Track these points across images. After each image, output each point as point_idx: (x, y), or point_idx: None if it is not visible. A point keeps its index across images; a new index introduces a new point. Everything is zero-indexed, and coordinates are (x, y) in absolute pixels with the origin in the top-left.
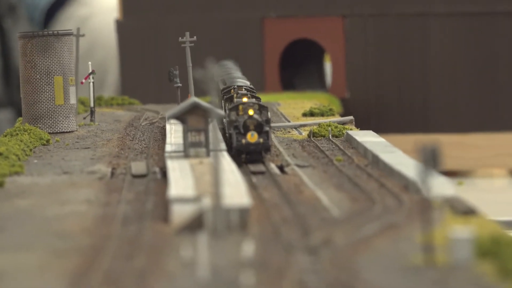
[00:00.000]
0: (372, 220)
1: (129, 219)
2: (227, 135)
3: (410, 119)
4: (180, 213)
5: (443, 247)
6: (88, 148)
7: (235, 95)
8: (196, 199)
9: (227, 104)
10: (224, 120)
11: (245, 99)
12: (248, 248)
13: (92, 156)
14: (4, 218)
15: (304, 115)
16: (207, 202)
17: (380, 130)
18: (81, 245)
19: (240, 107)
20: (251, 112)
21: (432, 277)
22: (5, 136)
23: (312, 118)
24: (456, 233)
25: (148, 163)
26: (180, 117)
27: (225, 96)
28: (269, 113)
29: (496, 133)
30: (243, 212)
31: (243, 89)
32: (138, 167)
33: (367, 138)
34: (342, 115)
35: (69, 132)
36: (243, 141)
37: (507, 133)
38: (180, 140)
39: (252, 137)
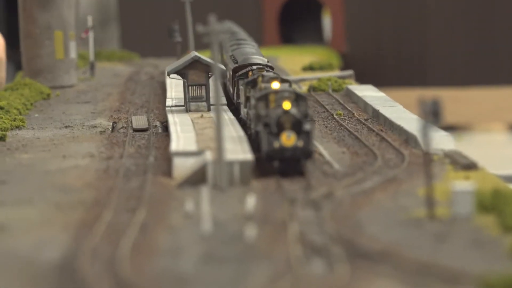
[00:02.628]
0: (373, 174)
1: (131, 172)
2: (233, 100)
3: (409, 73)
4: (182, 167)
5: (444, 201)
6: (89, 102)
7: (260, 79)
8: (198, 153)
9: (247, 90)
10: (235, 99)
11: (275, 84)
12: (251, 202)
13: (93, 110)
14: (6, 172)
15: (304, 69)
16: (209, 156)
17: (379, 84)
18: (84, 198)
19: (272, 97)
20: (287, 105)
21: (433, 230)
22: (6, 90)
23: (312, 72)
24: (457, 187)
25: (149, 117)
26: (181, 72)
27: (239, 78)
28: (307, 105)
29: (495, 87)
30: (245, 166)
31: (264, 70)
32: (139, 121)
33: (367, 92)
34: (341, 69)
35: (70, 86)
36: (276, 144)
37: (506, 87)
38: (180, 94)
39: (288, 139)
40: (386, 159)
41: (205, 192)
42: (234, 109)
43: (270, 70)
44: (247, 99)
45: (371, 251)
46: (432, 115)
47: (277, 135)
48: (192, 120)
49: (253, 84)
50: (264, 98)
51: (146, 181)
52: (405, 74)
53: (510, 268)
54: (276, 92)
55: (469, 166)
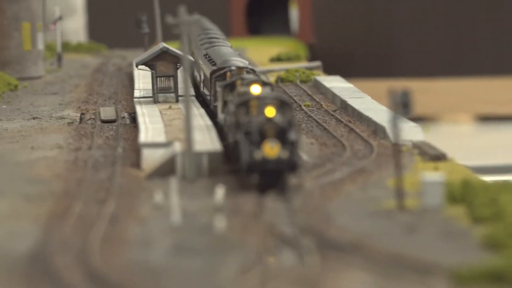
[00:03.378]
0: (342, 166)
1: (100, 164)
2: (210, 104)
3: (377, 64)
4: (151, 158)
5: (413, 192)
6: (56, 93)
7: (239, 82)
8: (167, 144)
9: (225, 93)
10: (211, 102)
11: (255, 88)
12: (220, 193)
13: (60, 102)
14: None
15: (272, 60)
16: (177, 147)
17: (347, 75)
18: (53, 190)
19: (253, 103)
20: (270, 112)
21: (404, 221)
22: None
23: (280, 63)
24: (426, 178)
25: (117, 109)
26: (149, 63)
27: (216, 80)
28: (293, 112)
29: (462, 78)
30: (214, 157)
31: (244, 72)
32: (107, 112)
33: (335, 83)
34: (309, 60)
35: (37, 77)
36: (258, 155)
37: (473, 79)
38: (148, 85)
39: (271, 149)
40: (355, 150)
41: (174, 183)
42: (202, 100)
43: (251, 72)
44: (225, 103)
45: (341, 242)
46: (402, 106)
47: (259, 144)
48: (160, 112)
49: (231, 87)
50: (245, 104)
51: (115, 172)
52: (373, 65)
53: (481, 259)
54: (258, 97)
55: (438, 157)
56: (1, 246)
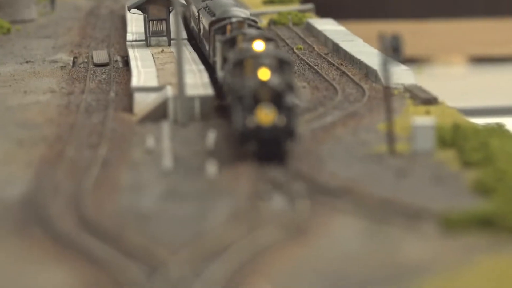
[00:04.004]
0: (334, 109)
1: (93, 108)
2: (209, 59)
3: (370, 5)
4: (143, 102)
5: (404, 136)
6: (49, 37)
7: (240, 37)
8: (159, 88)
9: (225, 49)
10: (211, 56)
11: (258, 44)
12: (211, 137)
13: (53, 45)
14: None
15: (264, 3)
16: (169, 91)
17: (339, 17)
18: (45, 134)
19: (249, 62)
20: (265, 74)
21: (394, 166)
22: None
23: (272, 6)
24: (417, 122)
25: (109, 52)
26: (141, 7)
27: (216, 33)
28: (293, 73)
29: (454, 20)
30: (206, 101)
31: (246, 25)
32: (100, 55)
33: (327, 26)
34: (302, 3)
35: (30, 21)
36: (251, 122)
37: (466, 20)
38: (141, 29)
39: (266, 115)
40: (347, 93)
41: (166, 127)
42: (195, 43)
43: (253, 24)
44: (224, 60)
45: (332, 187)
46: (392, 50)
47: (253, 110)
48: (152, 55)
49: (232, 42)
50: (239, 63)
51: (107, 116)
52: (366, 7)
53: (470, 204)
54: (254, 56)
55: (429, 100)
56: None
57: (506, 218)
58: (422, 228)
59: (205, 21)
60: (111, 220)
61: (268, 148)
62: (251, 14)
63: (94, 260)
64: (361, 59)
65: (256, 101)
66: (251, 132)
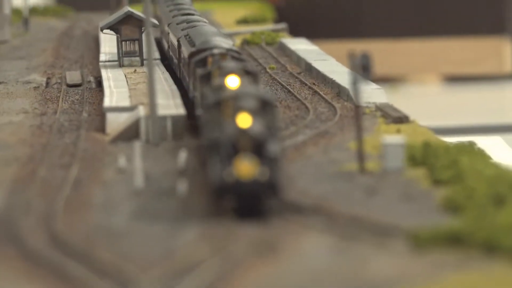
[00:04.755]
0: (305, 128)
1: (65, 128)
2: (189, 93)
3: (344, 24)
4: (115, 122)
5: (375, 154)
6: (23, 58)
7: (215, 71)
8: (131, 108)
9: (202, 84)
10: (191, 90)
11: (231, 80)
12: (183, 157)
13: (27, 66)
14: None
15: (238, 22)
16: (142, 111)
17: (313, 36)
18: (18, 155)
19: (227, 104)
20: (245, 120)
21: (364, 184)
22: None
23: (246, 25)
24: (387, 140)
25: (82, 73)
26: (114, 27)
27: (196, 66)
28: (277, 115)
29: (428, 39)
30: (177, 121)
31: (228, 57)
32: (73, 76)
33: (301, 46)
34: (276, 22)
35: (3, 42)
36: (230, 175)
37: (439, 39)
38: (114, 49)
39: (246, 168)
40: (318, 112)
41: (137, 147)
42: (168, 64)
43: (237, 56)
44: (202, 96)
45: (302, 205)
46: (362, 68)
47: (231, 162)
48: (125, 75)
49: (208, 77)
50: (217, 105)
51: (79, 136)
52: (340, 26)
53: (439, 221)
54: (233, 98)
55: (401, 119)
56: None
57: (474, 235)
58: (391, 245)
59: (185, 51)
60: (82, 238)
61: (248, 204)
62: (224, 34)
63: (65, 278)
64: (333, 78)
65: (235, 151)
66: (229, 187)
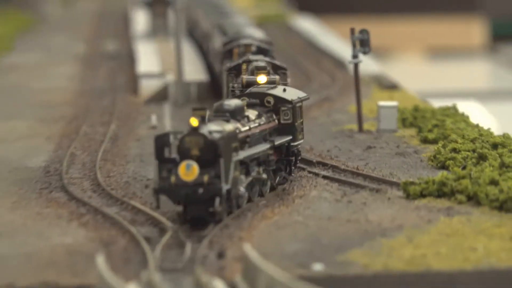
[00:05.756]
0: (311, 93)
1: (105, 92)
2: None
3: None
4: (148, 86)
5: (371, 117)
6: (66, 31)
7: (243, 67)
8: (161, 74)
9: (230, 78)
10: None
11: (261, 78)
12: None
13: (69, 38)
14: None
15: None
16: (170, 77)
17: (319, 11)
18: (65, 114)
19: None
20: (194, 120)
21: (363, 140)
22: None
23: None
24: (382, 105)
25: (117, 44)
26: (148, 4)
27: (226, 59)
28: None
29: (411, 15)
30: (201, 86)
31: (252, 48)
32: (110, 47)
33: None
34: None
35: (50, 16)
36: (172, 179)
37: (421, 16)
38: (145, 25)
39: (188, 170)
40: (321, 81)
41: (167, 108)
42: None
43: (265, 47)
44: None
45: (311, 159)
46: (361, 43)
47: (177, 164)
48: (155, 47)
49: (236, 71)
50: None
51: (116, 99)
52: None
53: (427, 173)
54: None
55: (393, 86)
56: (20, 160)
57: (457, 186)
58: (387, 194)
59: (216, 42)
60: (120, 184)
61: (194, 209)
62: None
63: (103, 217)
64: (334, 51)
65: (182, 154)
66: (172, 191)
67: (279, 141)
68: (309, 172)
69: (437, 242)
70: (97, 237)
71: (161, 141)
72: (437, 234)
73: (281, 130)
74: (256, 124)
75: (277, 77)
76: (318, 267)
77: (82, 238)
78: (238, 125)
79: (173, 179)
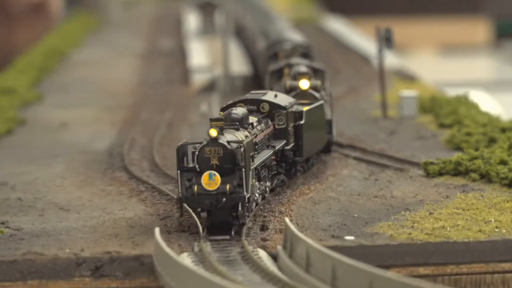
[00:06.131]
0: (340, 84)
1: (160, 83)
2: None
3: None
4: (198, 78)
5: (394, 104)
6: (127, 30)
7: (286, 71)
8: (210, 68)
9: (272, 80)
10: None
11: (303, 83)
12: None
13: (130, 36)
14: (67, 83)
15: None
16: (218, 71)
17: (345, 12)
18: (126, 102)
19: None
20: (213, 130)
21: (386, 126)
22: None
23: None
24: (403, 94)
25: (171, 42)
26: (201, 6)
27: (270, 61)
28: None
29: (424, 15)
30: (245, 79)
31: (294, 51)
32: (165, 45)
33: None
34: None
35: (113, 18)
36: (195, 188)
37: (433, 16)
38: (195, 26)
39: (210, 180)
40: (349, 73)
41: (215, 97)
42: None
43: (306, 52)
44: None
45: (342, 142)
46: (385, 40)
47: (200, 174)
48: (204, 44)
49: (278, 76)
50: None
51: (172, 89)
52: (364, 3)
53: (445, 155)
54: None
55: (411, 78)
56: (88, 143)
57: (471, 166)
58: (409, 173)
59: (260, 44)
60: (173, 166)
61: (219, 216)
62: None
63: (159, 194)
64: (360, 47)
65: (203, 164)
66: (195, 200)
67: (278, 146)
68: (341, 153)
69: (454, 215)
70: (154, 212)
71: (182, 151)
72: (454, 208)
73: (276, 135)
74: (261, 131)
75: (318, 82)
76: (349, 238)
77: (141, 213)
78: (246, 132)
79: (195, 188)
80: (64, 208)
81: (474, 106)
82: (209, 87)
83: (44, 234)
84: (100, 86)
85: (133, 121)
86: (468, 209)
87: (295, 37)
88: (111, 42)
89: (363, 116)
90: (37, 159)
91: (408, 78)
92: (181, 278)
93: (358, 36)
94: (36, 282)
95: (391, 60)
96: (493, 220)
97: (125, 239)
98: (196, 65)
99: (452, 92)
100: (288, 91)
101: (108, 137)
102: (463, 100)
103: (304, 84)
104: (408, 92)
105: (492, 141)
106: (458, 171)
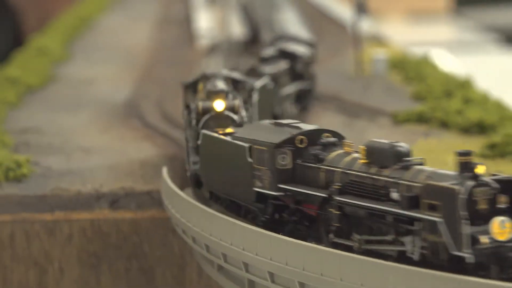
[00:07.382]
0: (321, 49)
1: (173, 44)
2: None
3: None
4: (204, 41)
5: (367, 63)
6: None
7: (200, 86)
8: (212, 31)
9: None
10: None
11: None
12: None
13: (151, 4)
14: (94, 44)
15: None
16: (220, 35)
17: None
18: (141, 62)
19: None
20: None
21: (361, 83)
22: None
23: None
24: (376, 54)
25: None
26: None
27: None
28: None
29: None
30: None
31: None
32: (178, 11)
33: None
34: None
35: None
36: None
37: None
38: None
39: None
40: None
41: (217, 56)
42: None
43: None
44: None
45: (323, 95)
46: (360, 6)
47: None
48: (210, 12)
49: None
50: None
51: (182, 50)
52: None
53: (411, 106)
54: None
55: (383, 41)
56: (108, 97)
57: (433, 115)
58: (380, 121)
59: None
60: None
61: None
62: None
63: (169, 139)
64: (338, 15)
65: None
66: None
67: None
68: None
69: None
70: (163, 154)
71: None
72: (418, 151)
73: None
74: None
75: (236, 102)
76: None
77: (153, 154)
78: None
79: None
80: (87, 150)
81: (434, 64)
82: (211, 47)
83: (69, 172)
84: (120, 48)
85: (148, 77)
86: (430, 152)
87: (297, 31)
88: (131, 9)
89: (342, 74)
90: (65, 109)
91: (379, 40)
92: (183, 210)
93: (336, 2)
94: (62, 213)
95: (366, 25)
96: (450, 161)
97: (138, 176)
98: (201, 29)
99: (418, 51)
100: (201, 114)
101: (126, 91)
102: (426, 60)
103: (218, 105)
104: (380, 53)
105: (450, 95)
106: (421, 119)
